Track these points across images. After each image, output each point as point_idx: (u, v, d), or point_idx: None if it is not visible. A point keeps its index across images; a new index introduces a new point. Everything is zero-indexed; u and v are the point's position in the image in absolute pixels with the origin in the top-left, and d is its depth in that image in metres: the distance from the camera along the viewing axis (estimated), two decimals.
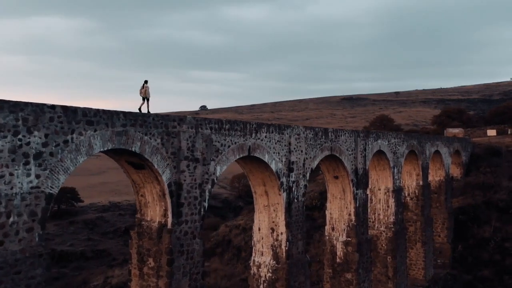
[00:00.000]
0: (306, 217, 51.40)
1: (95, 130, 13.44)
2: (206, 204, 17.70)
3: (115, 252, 69.01)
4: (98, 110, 13.62)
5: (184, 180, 16.58)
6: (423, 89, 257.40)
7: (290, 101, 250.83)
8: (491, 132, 66.59)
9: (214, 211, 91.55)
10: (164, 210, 16.27)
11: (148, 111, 19.91)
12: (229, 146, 18.99)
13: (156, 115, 15.73)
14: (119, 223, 79.32)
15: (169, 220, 16.12)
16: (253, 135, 20.41)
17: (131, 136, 14.59)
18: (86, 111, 13.26)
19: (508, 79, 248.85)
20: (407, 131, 75.03)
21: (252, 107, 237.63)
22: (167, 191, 16.00)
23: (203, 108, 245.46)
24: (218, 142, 18.42)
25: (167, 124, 16.08)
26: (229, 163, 19.24)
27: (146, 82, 19.29)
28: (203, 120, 17.73)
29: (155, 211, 16.49)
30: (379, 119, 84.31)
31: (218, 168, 18.37)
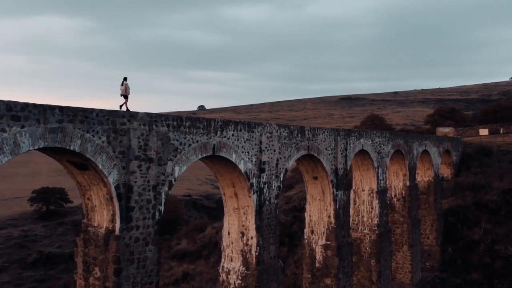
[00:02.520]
0: (294, 218, 50.49)
1: (23, 127, 12.09)
2: (162, 208, 16.35)
3: None
4: (27, 104, 12.27)
5: (135, 182, 15.23)
6: (422, 89, 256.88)
7: (288, 101, 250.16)
8: (483, 132, 65.36)
9: (209, 211, 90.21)
10: (112, 214, 14.93)
11: (127, 109, 19.10)
12: (190, 145, 17.66)
13: (101, 110, 14.38)
14: None
15: (117, 225, 14.77)
16: (219, 133, 19.08)
17: (68, 134, 13.23)
18: (11, 105, 11.91)
19: (507, 79, 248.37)
20: (399, 130, 73.74)
21: (250, 107, 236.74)
22: (114, 194, 14.66)
23: (201, 108, 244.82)
24: (177, 140, 17.08)
25: (115, 121, 14.73)
26: (190, 163, 17.92)
27: (125, 79, 18.64)
28: (158, 117, 16.39)
29: (103, 216, 15.15)
30: (370, 118, 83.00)
31: (176, 168, 17.04)
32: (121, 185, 14.85)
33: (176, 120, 17.06)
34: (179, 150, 17.12)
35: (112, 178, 14.56)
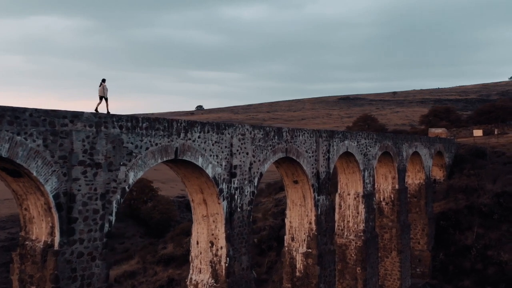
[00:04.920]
0: (283, 221, 48.82)
1: None
2: (112, 218, 14.77)
3: None
4: None
5: (79, 190, 13.65)
6: (421, 89, 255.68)
7: (286, 101, 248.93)
8: (477, 132, 63.85)
9: None
10: (51, 227, 13.35)
11: (108, 111, 18.17)
12: (147, 148, 16.09)
13: (36, 110, 12.80)
14: None
15: (57, 239, 13.19)
16: (182, 135, 17.52)
17: None
18: None
19: (506, 79, 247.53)
20: (392, 131, 72.19)
21: (248, 107, 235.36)
22: (53, 204, 13.08)
23: (199, 108, 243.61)
24: (132, 143, 15.51)
25: (53, 122, 13.14)
26: (148, 167, 16.36)
27: (104, 80, 18.18)
28: (109, 117, 14.81)
29: (41, 228, 13.56)
30: (362, 118, 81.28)
31: (131, 174, 15.46)
32: (62, 194, 13.27)
33: (130, 121, 15.49)
34: (134, 154, 15.55)
35: (50, 186, 12.98)
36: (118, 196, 14.98)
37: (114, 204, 14.83)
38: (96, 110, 18.19)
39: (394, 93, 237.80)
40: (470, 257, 37.87)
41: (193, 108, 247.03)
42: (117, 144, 14.93)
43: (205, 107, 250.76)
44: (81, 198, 13.71)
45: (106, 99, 18.62)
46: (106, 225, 14.49)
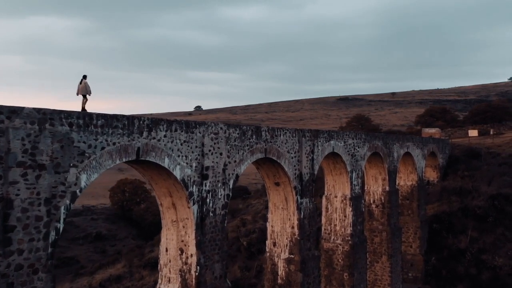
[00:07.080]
0: None
1: None
2: (60, 225, 13.32)
3: (83, 259, 64.57)
4: None
5: (17, 195, 12.21)
6: (420, 90, 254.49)
7: (285, 101, 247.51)
8: (473, 133, 62.54)
9: None
10: None
11: (83, 108, 17.44)
12: (103, 148, 14.65)
13: None
14: (90, 228, 74.73)
15: None
16: (145, 133, 16.09)
17: None
18: None
19: (506, 80, 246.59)
20: (387, 131, 70.86)
21: (247, 108, 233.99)
22: None
23: (198, 108, 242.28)
24: (84, 142, 14.06)
25: None
26: (105, 169, 14.92)
27: (84, 77, 17.52)
28: (56, 114, 13.36)
29: None
30: (356, 118, 79.90)
31: (83, 176, 14.01)
32: None
33: (82, 118, 14.03)
34: (87, 155, 14.11)
35: None
36: (68, 201, 13.53)
37: (63, 210, 13.38)
38: (83, 109, 17.22)
39: (393, 93, 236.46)
40: (464, 262, 36.52)
41: (192, 109, 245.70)
42: (66, 144, 13.49)
43: (204, 107, 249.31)
44: (20, 203, 12.27)
45: (85, 96, 17.64)
46: (52, 233, 13.04)
